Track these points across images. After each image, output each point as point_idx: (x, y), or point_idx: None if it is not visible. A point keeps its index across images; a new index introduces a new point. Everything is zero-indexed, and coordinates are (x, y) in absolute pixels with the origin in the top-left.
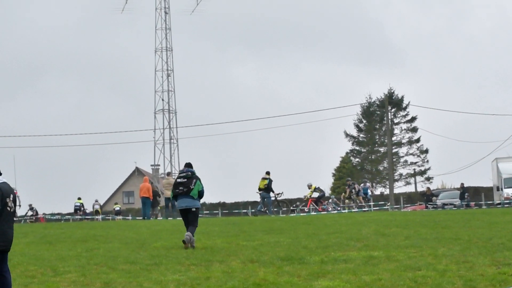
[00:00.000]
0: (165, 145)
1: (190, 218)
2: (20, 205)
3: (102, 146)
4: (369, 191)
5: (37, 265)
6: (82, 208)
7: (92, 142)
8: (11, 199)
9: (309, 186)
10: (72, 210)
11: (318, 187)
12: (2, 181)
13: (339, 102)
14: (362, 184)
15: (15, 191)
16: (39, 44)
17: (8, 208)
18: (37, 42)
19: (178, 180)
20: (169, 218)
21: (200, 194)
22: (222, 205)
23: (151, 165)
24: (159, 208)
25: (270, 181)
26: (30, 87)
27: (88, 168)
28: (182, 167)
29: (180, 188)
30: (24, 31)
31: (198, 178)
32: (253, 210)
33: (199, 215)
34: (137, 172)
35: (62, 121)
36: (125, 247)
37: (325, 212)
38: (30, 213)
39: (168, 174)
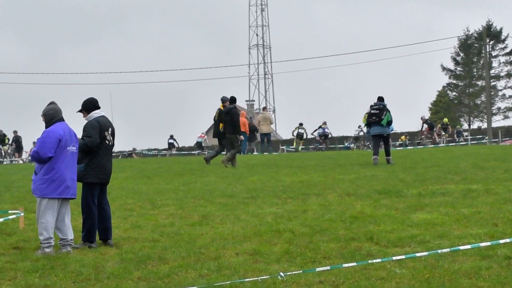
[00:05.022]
0: (259, 80)
1: (383, 142)
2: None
3: (195, 82)
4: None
5: (135, 198)
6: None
7: (184, 78)
8: (109, 132)
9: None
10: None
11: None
12: (100, 114)
13: (436, 36)
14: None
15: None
16: None
17: (107, 142)
18: None
19: (372, 111)
20: (264, 153)
21: (389, 123)
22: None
23: (246, 101)
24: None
25: None
26: (114, 28)
27: (183, 104)
28: (276, 102)
29: (373, 117)
30: None
31: (388, 110)
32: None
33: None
34: None
35: (149, 59)
36: (221, 181)
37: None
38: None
39: (264, 109)
